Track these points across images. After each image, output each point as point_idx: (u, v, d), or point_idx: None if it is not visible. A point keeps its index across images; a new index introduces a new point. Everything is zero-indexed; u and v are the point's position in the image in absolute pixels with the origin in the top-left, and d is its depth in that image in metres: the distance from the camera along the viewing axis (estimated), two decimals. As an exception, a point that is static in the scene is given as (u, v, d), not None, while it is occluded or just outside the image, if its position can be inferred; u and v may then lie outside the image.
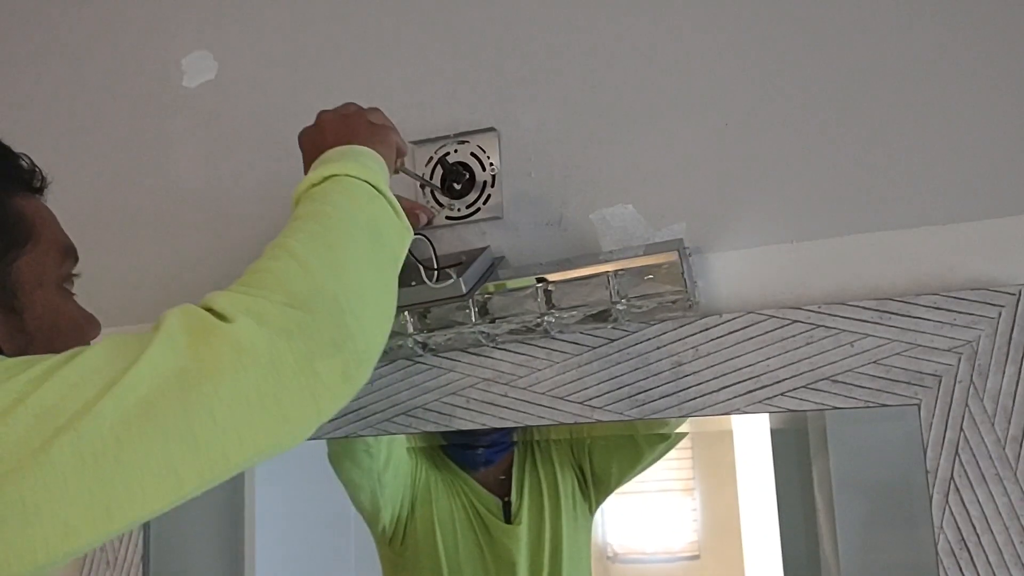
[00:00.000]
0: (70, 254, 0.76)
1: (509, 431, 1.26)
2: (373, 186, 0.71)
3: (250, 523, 1.26)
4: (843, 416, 0.98)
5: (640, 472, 1.26)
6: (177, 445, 0.52)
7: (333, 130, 0.77)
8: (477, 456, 1.24)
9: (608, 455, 1.26)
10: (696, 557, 1.78)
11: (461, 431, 1.21)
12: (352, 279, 0.64)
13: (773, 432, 1.14)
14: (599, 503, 1.28)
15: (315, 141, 0.77)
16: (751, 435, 1.36)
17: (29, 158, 0.75)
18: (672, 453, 1.73)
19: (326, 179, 0.71)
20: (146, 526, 1.04)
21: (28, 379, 0.53)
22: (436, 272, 0.87)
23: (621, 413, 0.89)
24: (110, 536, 0.53)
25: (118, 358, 0.54)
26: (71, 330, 0.73)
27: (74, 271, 0.77)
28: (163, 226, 1.12)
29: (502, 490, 1.26)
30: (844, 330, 0.82)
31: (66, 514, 0.50)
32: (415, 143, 1.01)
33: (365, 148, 0.75)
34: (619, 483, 1.27)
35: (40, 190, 0.76)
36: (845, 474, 1.03)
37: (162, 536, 1.08)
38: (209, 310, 0.58)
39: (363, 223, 0.68)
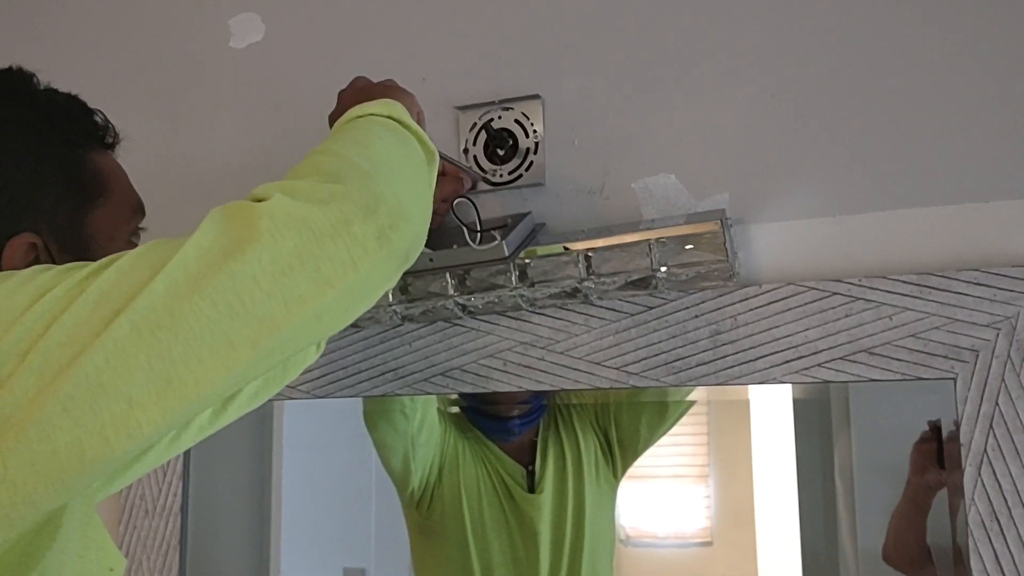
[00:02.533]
0: (139, 210, 0.79)
1: (541, 404, 1.27)
2: (397, 119, 0.75)
3: (276, 482, 1.28)
4: (867, 393, 0.99)
5: (665, 432, 1.28)
6: (226, 313, 0.55)
7: (353, 102, 0.80)
8: (506, 427, 1.25)
9: (636, 418, 1.27)
10: (708, 543, 1.79)
11: (493, 402, 1.24)
12: (380, 159, 0.67)
13: (796, 403, 1.14)
14: (625, 469, 1.29)
15: (339, 112, 0.81)
16: (770, 418, 1.37)
17: (103, 114, 0.77)
18: (687, 439, 1.75)
19: (350, 120, 0.75)
20: (185, 477, 1.07)
21: (86, 274, 0.56)
22: (479, 234, 0.88)
23: (658, 380, 0.90)
24: (175, 416, 0.55)
25: (166, 247, 0.57)
26: None
27: (140, 225, 0.79)
28: (207, 186, 1.14)
29: (527, 459, 1.27)
30: (884, 303, 0.83)
31: (129, 387, 0.53)
32: (459, 108, 1.02)
33: (386, 99, 0.78)
34: (647, 446, 1.29)
35: (112, 146, 0.79)
36: (867, 455, 1.03)
37: (198, 489, 1.10)
38: (250, 200, 0.61)
39: (391, 134, 0.72)
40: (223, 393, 0.58)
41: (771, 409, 1.30)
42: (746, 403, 1.39)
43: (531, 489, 1.25)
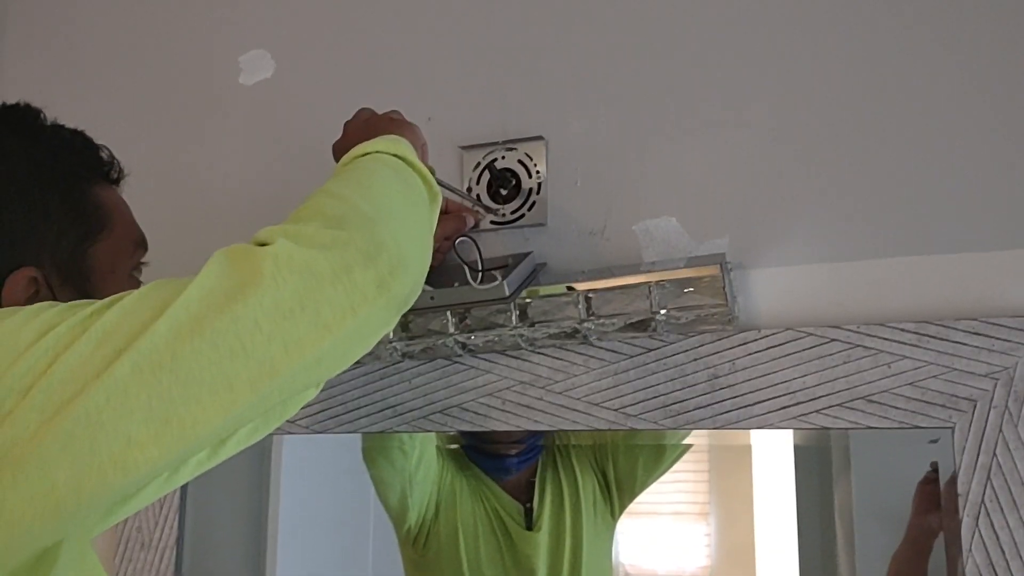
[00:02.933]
0: (141, 244, 0.80)
1: (538, 444, 1.27)
2: (401, 158, 0.76)
3: (273, 517, 1.28)
4: (868, 440, 0.99)
5: (663, 473, 1.28)
6: (227, 355, 0.55)
7: (358, 135, 0.81)
8: (504, 464, 1.25)
9: (633, 459, 1.27)
10: (709, 582, 1.78)
11: (492, 440, 1.24)
12: (383, 203, 0.68)
13: (796, 449, 1.14)
14: (622, 508, 1.29)
15: (344, 146, 0.82)
16: (771, 462, 1.37)
17: (108, 150, 0.78)
18: (688, 477, 1.74)
19: (356, 157, 0.76)
20: (181, 511, 1.06)
21: (90, 312, 0.57)
22: (481, 274, 0.89)
23: (656, 422, 0.90)
24: (172, 455, 0.55)
25: (170, 287, 0.58)
26: None
27: (143, 260, 0.80)
28: (215, 221, 1.15)
29: (525, 496, 1.26)
30: (882, 351, 0.83)
31: (128, 426, 0.53)
32: (464, 148, 1.03)
33: (391, 135, 0.79)
34: (643, 487, 1.28)
35: (117, 181, 0.79)
36: (867, 500, 1.03)
37: (195, 523, 1.10)
38: (254, 244, 0.62)
39: (394, 176, 0.73)
40: (221, 434, 0.58)
41: (772, 452, 1.30)
42: (747, 447, 1.39)
43: (528, 527, 1.25)
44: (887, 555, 0.99)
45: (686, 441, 1.29)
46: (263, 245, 0.61)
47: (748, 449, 1.41)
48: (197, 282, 0.58)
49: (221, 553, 1.26)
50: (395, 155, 0.76)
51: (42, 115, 0.76)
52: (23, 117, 0.75)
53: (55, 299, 0.68)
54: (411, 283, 0.66)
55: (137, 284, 0.78)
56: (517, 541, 1.24)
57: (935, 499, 0.89)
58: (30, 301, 0.67)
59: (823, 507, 1.10)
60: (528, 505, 1.25)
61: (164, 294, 0.58)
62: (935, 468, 0.89)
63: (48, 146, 0.74)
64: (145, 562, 1.06)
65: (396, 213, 0.68)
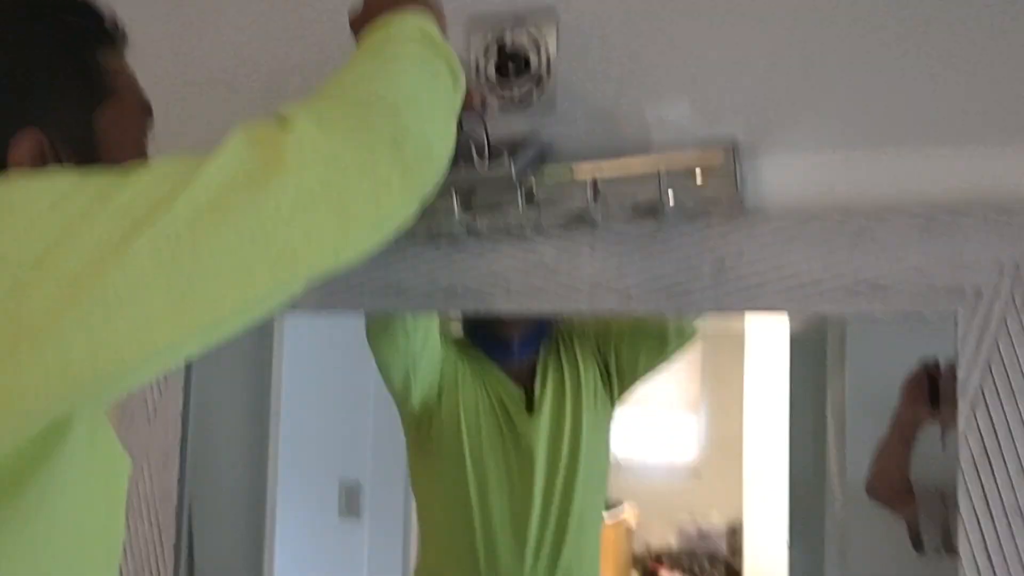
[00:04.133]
0: (148, 111, 0.77)
1: (542, 330, 1.28)
2: (425, 35, 0.73)
3: (276, 394, 1.30)
4: (864, 330, 1.00)
5: (664, 363, 1.29)
6: (248, 240, 0.55)
7: (379, 5, 0.78)
8: (508, 349, 1.26)
9: (635, 347, 1.28)
10: (697, 472, 1.83)
11: (496, 324, 1.25)
12: (409, 88, 0.66)
13: (792, 340, 1.15)
14: (621, 396, 1.31)
15: (364, 19, 0.79)
16: (765, 354, 1.38)
17: (112, 12, 0.75)
18: (680, 369, 1.77)
19: (379, 30, 0.74)
20: (186, 386, 1.08)
21: (105, 184, 0.56)
22: (487, 154, 0.87)
23: (658, 306, 0.90)
24: (190, 337, 0.55)
25: (189, 164, 0.57)
26: None
27: (149, 126, 0.78)
28: (220, 87, 1.12)
29: (527, 381, 1.28)
30: (890, 238, 0.83)
31: (145, 305, 0.53)
32: (471, 25, 1.00)
33: (416, 8, 0.76)
34: (644, 375, 1.30)
35: (121, 45, 0.77)
36: (860, 391, 1.05)
37: (199, 398, 1.12)
38: (275, 119, 0.61)
39: (420, 57, 0.71)
40: (238, 314, 0.58)
41: (767, 343, 1.31)
42: (741, 337, 1.40)
43: (529, 411, 1.27)
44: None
45: (690, 327, 1.30)
46: (284, 122, 0.60)
47: (742, 340, 1.42)
48: (217, 161, 0.56)
49: (225, 428, 1.29)
50: (420, 30, 0.73)
51: None
52: None
53: (61, 164, 0.67)
54: (436, 172, 0.65)
55: (144, 151, 0.77)
56: (518, 424, 1.27)
57: (923, 392, 0.90)
58: (36, 165, 0.66)
59: (816, 400, 1.12)
60: (530, 390, 1.27)
61: (183, 170, 0.56)
62: (926, 363, 0.91)
63: (52, 8, 0.71)
64: (151, 435, 1.08)
65: (422, 99, 0.66)
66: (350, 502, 1.48)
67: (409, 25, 0.73)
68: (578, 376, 1.28)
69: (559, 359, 1.29)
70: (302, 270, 0.58)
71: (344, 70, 0.69)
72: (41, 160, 0.67)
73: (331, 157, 0.58)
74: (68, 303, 0.52)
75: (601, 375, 1.30)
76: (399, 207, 0.62)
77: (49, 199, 0.55)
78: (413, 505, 1.36)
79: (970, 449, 0.80)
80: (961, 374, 0.80)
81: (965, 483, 0.79)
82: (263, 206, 0.55)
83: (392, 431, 1.33)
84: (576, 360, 1.29)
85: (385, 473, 1.46)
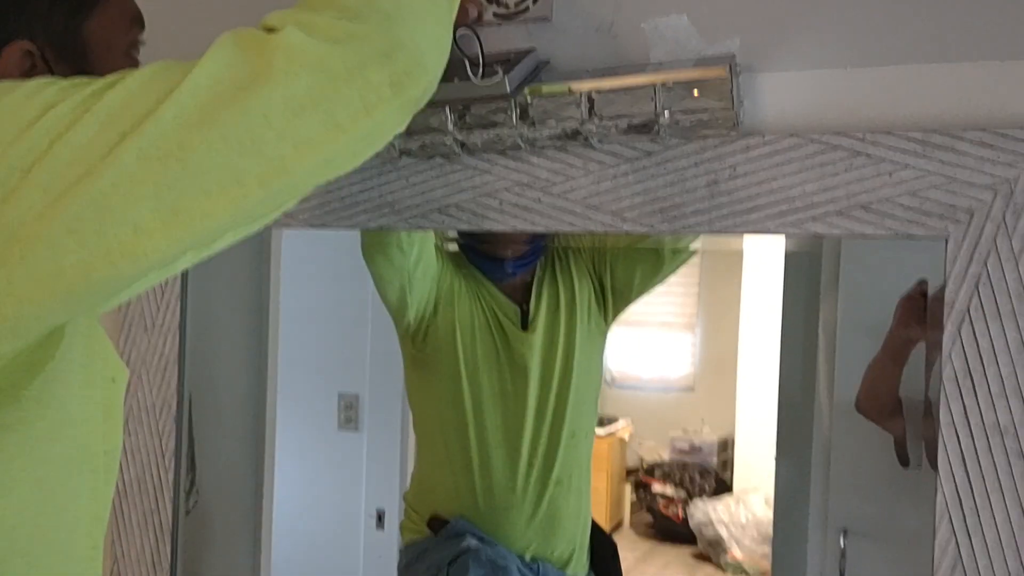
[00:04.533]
0: (137, 20, 0.76)
1: (538, 247, 1.28)
2: None
3: (274, 307, 1.31)
4: (859, 250, 1.00)
5: (659, 283, 1.30)
6: (236, 149, 0.55)
7: None
8: (502, 267, 1.27)
9: (631, 266, 1.29)
10: (691, 389, 1.87)
11: (492, 242, 1.25)
12: None
13: (787, 258, 1.15)
14: (616, 315, 1.32)
15: None
16: (760, 274, 1.39)
17: None
18: (678, 290, 1.78)
19: None
20: (183, 296, 1.09)
21: (92, 91, 0.55)
22: (481, 69, 0.86)
23: (652, 226, 0.90)
24: (181, 245, 0.56)
25: (175, 70, 0.56)
26: None
27: (140, 38, 0.77)
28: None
29: (522, 298, 1.29)
30: (885, 159, 0.82)
31: (136, 214, 0.53)
32: (467, -67, 0.97)
33: None
34: (639, 294, 1.31)
35: None
36: (852, 311, 1.05)
37: (196, 308, 1.13)
38: (262, 29, 0.60)
39: None
40: (230, 226, 0.58)
41: (762, 262, 1.32)
42: (739, 255, 1.41)
43: (524, 327, 1.29)
44: (866, 364, 1.02)
45: (691, 247, 1.30)
46: (271, 31, 0.59)
47: (739, 257, 1.42)
48: (203, 68, 0.56)
49: (223, 339, 1.30)
50: None
51: None
52: None
53: (52, 75, 0.66)
54: (427, 84, 0.64)
55: (136, 63, 0.76)
56: (512, 340, 1.28)
57: (917, 312, 0.91)
58: (26, 76, 0.65)
59: (808, 319, 1.12)
60: (524, 307, 1.28)
61: (169, 76, 0.56)
62: (921, 283, 0.91)
63: None
64: (149, 344, 1.10)
65: (415, 8, 0.65)
66: (348, 415, 1.51)
67: None
68: (573, 294, 1.29)
69: (554, 277, 1.29)
70: (294, 180, 0.58)
71: None
72: (31, 71, 0.67)
73: (319, 65, 0.57)
74: (58, 209, 0.52)
75: (596, 293, 1.31)
76: (390, 117, 0.61)
77: (36, 107, 0.54)
78: (410, 418, 1.38)
79: (953, 368, 0.81)
80: (949, 295, 0.81)
81: (947, 400, 0.81)
82: (251, 115, 0.55)
83: (390, 346, 1.35)
84: (571, 278, 1.30)
85: (383, 386, 1.48)
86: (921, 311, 0.91)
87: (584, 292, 1.30)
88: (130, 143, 0.53)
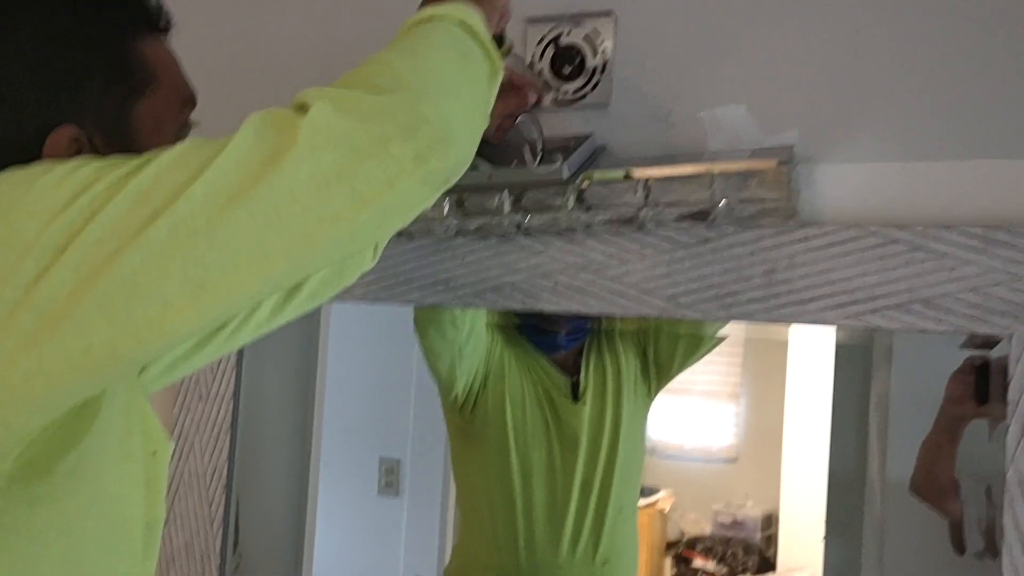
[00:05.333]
0: (189, 101, 0.75)
1: (587, 323, 1.29)
2: (468, 27, 0.72)
3: (321, 377, 1.32)
4: (912, 337, 0.98)
5: (701, 358, 1.30)
6: (263, 225, 0.56)
7: None
8: (555, 341, 1.28)
9: (674, 342, 1.30)
10: (734, 460, 1.83)
11: (545, 318, 1.26)
12: (434, 75, 0.66)
13: (838, 347, 1.14)
14: (659, 388, 1.33)
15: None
16: (807, 347, 1.38)
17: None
18: (721, 358, 1.76)
19: (421, 21, 0.73)
20: (238, 367, 1.10)
21: (126, 171, 0.57)
22: (540, 154, 0.88)
23: (707, 312, 0.90)
24: (208, 319, 0.57)
25: (206, 148, 0.57)
26: None
27: (191, 119, 0.77)
28: (268, 77, 1.13)
29: (572, 370, 1.30)
30: (947, 254, 0.82)
31: (164, 289, 0.54)
32: (529, 21, 0.99)
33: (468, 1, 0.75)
34: (681, 369, 1.32)
35: (166, 31, 0.74)
36: (905, 386, 1.03)
37: (250, 377, 1.14)
38: (293, 106, 0.61)
39: (453, 46, 0.70)
40: (257, 299, 0.60)
41: (811, 341, 1.30)
42: (785, 333, 1.39)
43: (575, 399, 1.29)
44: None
45: (721, 333, 1.31)
46: (301, 107, 0.60)
47: (785, 330, 1.41)
48: (233, 146, 0.57)
49: (272, 407, 1.31)
50: (461, 22, 0.72)
51: None
52: None
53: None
54: (454, 160, 0.64)
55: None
56: (562, 413, 1.28)
57: (970, 388, 0.89)
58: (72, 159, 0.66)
59: (860, 391, 1.10)
60: (575, 379, 1.29)
61: (201, 156, 0.57)
62: (972, 358, 0.89)
63: None
64: (203, 413, 1.11)
65: (447, 86, 0.66)
66: (389, 479, 1.50)
67: (451, 14, 0.72)
68: (619, 367, 1.29)
69: (602, 351, 1.30)
70: (319, 253, 0.59)
71: (373, 56, 0.68)
72: (77, 154, 0.66)
73: (344, 140, 0.58)
74: (88, 288, 0.53)
75: (640, 367, 1.31)
76: (414, 191, 0.61)
77: (72, 188, 0.56)
78: (452, 485, 1.38)
79: (1019, 470, 0.79)
80: (1012, 395, 0.79)
81: (1012, 505, 0.79)
82: (277, 190, 0.56)
83: (433, 411, 1.35)
84: (618, 352, 1.30)
85: (425, 452, 1.48)
86: (974, 388, 0.89)
87: (630, 364, 1.30)
88: (161, 221, 0.54)
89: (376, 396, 1.51)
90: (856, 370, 1.11)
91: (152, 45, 0.72)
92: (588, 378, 1.29)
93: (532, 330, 1.29)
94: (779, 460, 1.70)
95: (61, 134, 0.66)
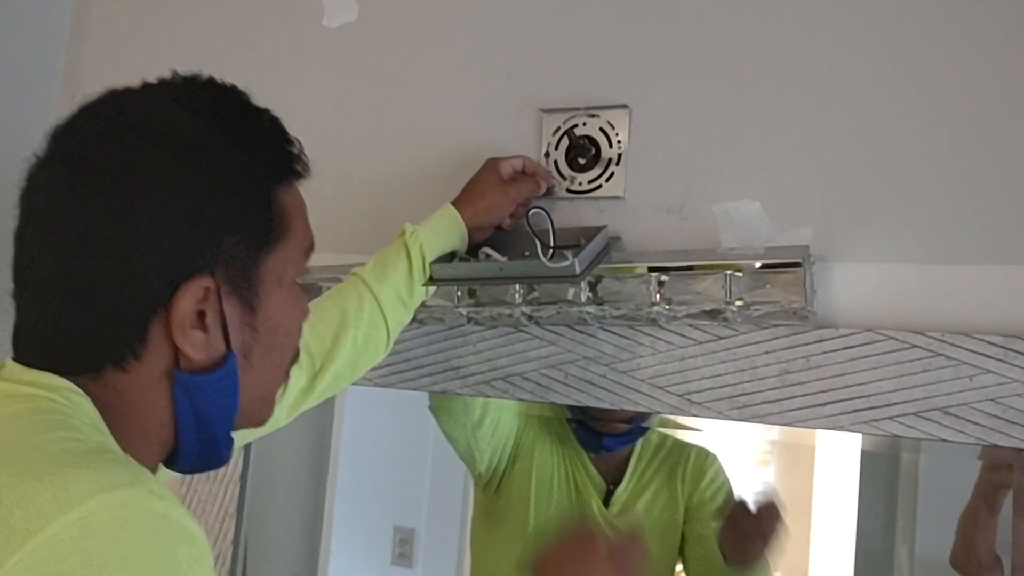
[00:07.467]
0: (311, 250, 0.70)
1: (637, 430, 1.24)
2: None
3: (334, 461, 1.32)
4: (938, 448, 0.95)
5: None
6: None
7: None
8: (597, 440, 1.23)
9: (709, 504, 1.24)
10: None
11: (595, 415, 1.21)
12: None
13: (864, 454, 1.11)
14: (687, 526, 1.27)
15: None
16: (835, 457, 1.34)
17: (299, 142, 0.68)
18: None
19: None
20: (246, 449, 1.10)
21: None
22: (552, 249, 0.87)
23: (720, 412, 0.88)
24: None
25: None
26: (290, 332, 0.70)
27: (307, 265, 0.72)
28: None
29: (611, 477, 1.25)
30: (965, 362, 0.80)
31: None
32: (544, 111, 1.00)
33: None
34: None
35: (301, 177, 0.69)
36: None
37: (259, 460, 1.14)
38: None
39: None
40: None
41: (837, 451, 1.26)
42: (812, 447, 1.35)
43: (606, 504, 1.24)
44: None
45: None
46: None
47: (812, 448, 1.37)
48: None
49: (284, 473, 1.30)
50: None
51: (248, 102, 0.66)
52: (227, 102, 0.65)
53: (221, 311, 0.62)
54: None
55: (299, 293, 0.71)
56: (590, 513, 1.23)
57: (1005, 457, 0.85)
58: (198, 313, 0.61)
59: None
60: (611, 487, 1.24)
61: None
62: None
63: (247, 144, 0.64)
64: (210, 494, 1.10)
65: None
66: (403, 550, 1.48)
67: None
68: (659, 490, 1.24)
69: (649, 466, 1.25)
70: None
71: None
72: (204, 304, 0.62)
73: None
74: None
75: (678, 499, 1.25)
76: None
77: None
78: (466, 555, 1.35)
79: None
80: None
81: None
82: None
83: (448, 481, 1.33)
84: (665, 474, 1.25)
85: (440, 521, 1.46)
86: (1009, 456, 0.85)
87: (674, 486, 1.25)
88: None
89: (391, 463, 1.49)
90: (882, 479, 1.08)
91: (290, 193, 0.68)
92: (626, 488, 1.24)
93: (576, 423, 1.25)
94: (809, 534, 1.66)
95: (194, 286, 0.61)
